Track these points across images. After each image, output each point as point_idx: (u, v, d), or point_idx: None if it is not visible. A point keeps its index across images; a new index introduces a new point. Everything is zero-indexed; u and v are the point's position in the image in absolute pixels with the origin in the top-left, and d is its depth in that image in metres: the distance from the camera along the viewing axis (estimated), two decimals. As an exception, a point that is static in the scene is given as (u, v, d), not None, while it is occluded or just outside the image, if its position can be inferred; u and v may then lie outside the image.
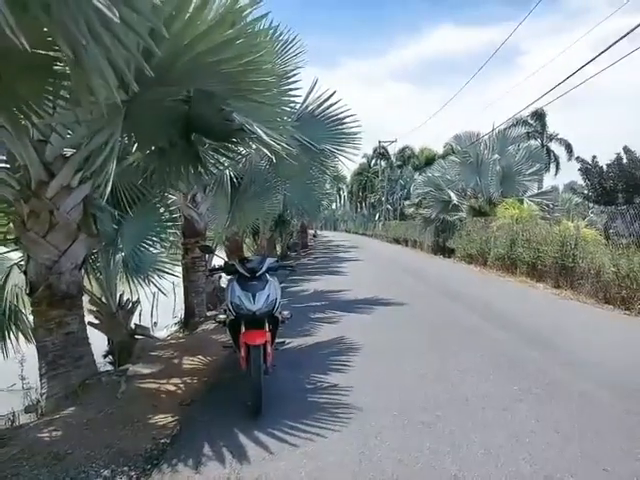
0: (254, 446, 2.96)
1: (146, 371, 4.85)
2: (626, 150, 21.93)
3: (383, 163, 53.26)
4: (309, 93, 7.88)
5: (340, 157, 7.83)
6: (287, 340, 5.44)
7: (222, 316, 3.95)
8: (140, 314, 9.79)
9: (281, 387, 4.03)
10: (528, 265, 11.86)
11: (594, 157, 23.69)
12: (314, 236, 44.05)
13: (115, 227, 6.11)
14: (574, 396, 3.81)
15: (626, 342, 5.77)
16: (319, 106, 7.88)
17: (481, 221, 17.34)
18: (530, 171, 20.15)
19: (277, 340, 4.33)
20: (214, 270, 4.31)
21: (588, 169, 23.30)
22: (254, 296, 3.57)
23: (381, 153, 53.24)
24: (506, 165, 19.53)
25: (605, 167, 22.37)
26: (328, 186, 24.72)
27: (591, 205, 23.74)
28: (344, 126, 7.86)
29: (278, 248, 21.12)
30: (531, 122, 37.71)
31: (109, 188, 3.82)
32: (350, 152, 7.77)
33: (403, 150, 52.32)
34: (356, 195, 64.04)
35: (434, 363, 4.69)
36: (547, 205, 18.51)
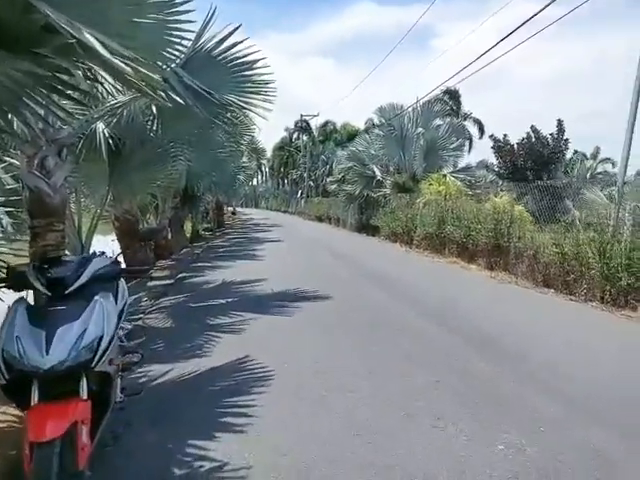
0: None
1: None
2: (533, 130, 22.75)
3: (305, 138, 51.63)
4: (205, 26, 5.92)
5: (249, 112, 6.04)
6: (164, 368, 3.75)
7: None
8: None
9: (125, 476, 2.35)
10: (458, 245, 11.09)
11: (505, 135, 24.30)
12: (233, 214, 41.51)
13: None
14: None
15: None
16: (218, 44, 5.98)
17: (406, 197, 16.55)
18: (453, 146, 19.77)
19: (122, 395, 2.59)
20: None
21: (500, 147, 23.86)
22: (50, 337, 1.84)
23: (303, 127, 51.56)
24: (430, 139, 18.89)
25: (516, 146, 23.01)
26: (246, 159, 22.59)
27: (500, 182, 24.36)
28: (253, 72, 6.07)
29: (189, 228, 18.80)
30: (446, 100, 38.24)
31: None
32: (261, 105, 6.02)
33: (325, 125, 51.03)
34: (277, 171, 61.88)
35: (377, 409, 3.27)
36: (470, 181, 18.21)
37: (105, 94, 6.12)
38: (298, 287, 7.08)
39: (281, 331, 4.96)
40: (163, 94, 5.49)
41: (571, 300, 6.76)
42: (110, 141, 7.30)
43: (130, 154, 8.16)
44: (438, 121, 21.22)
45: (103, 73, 3.18)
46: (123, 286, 2.66)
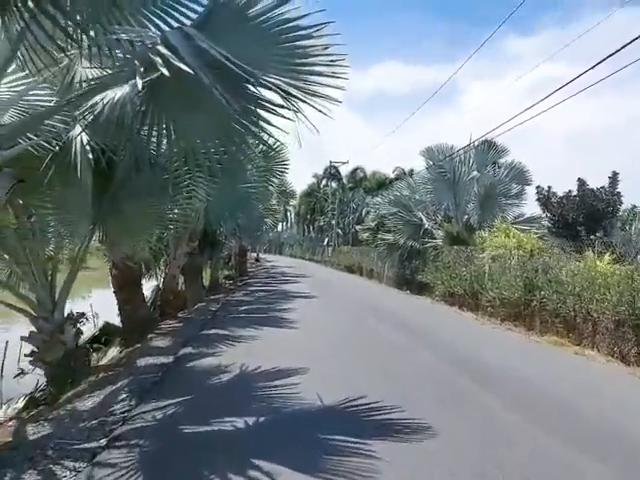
0: None
1: None
2: (580, 182, 20.07)
3: (334, 184, 50.01)
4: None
5: (308, 104, 3.60)
6: None
7: None
8: None
9: None
10: (559, 317, 8.21)
11: (550, 187, 21.43)
12: (257, 260, 39.32)
13: None
14: None
15: None
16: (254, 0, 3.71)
17: (465, 251, 13.80)
18: (514, 192, 17.20)
19: None
20: None
21: (548, 199, 21.03)
22: None
23: (332, 174, 50.10)
24: (489, 184, 16.38)
25: (564, 199, 20.27)
26: (274, 201, 20.46)
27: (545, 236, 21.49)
28: (310, 42, 3.73)
29: (207, 275, 16.36)
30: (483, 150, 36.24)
31: None
32: (326, 96, 3.61)
33: (355, 171, 49.50)
34: (304, 217, 60.19)
35: None
36: (537, 235, 15.39)
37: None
38: (362, 395, 4.34)
39: None
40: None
41: None
42: (90, 155, 5.03)
43: (125, 177, 5.88)
44: (491, 167, 18.84)
45: None
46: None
